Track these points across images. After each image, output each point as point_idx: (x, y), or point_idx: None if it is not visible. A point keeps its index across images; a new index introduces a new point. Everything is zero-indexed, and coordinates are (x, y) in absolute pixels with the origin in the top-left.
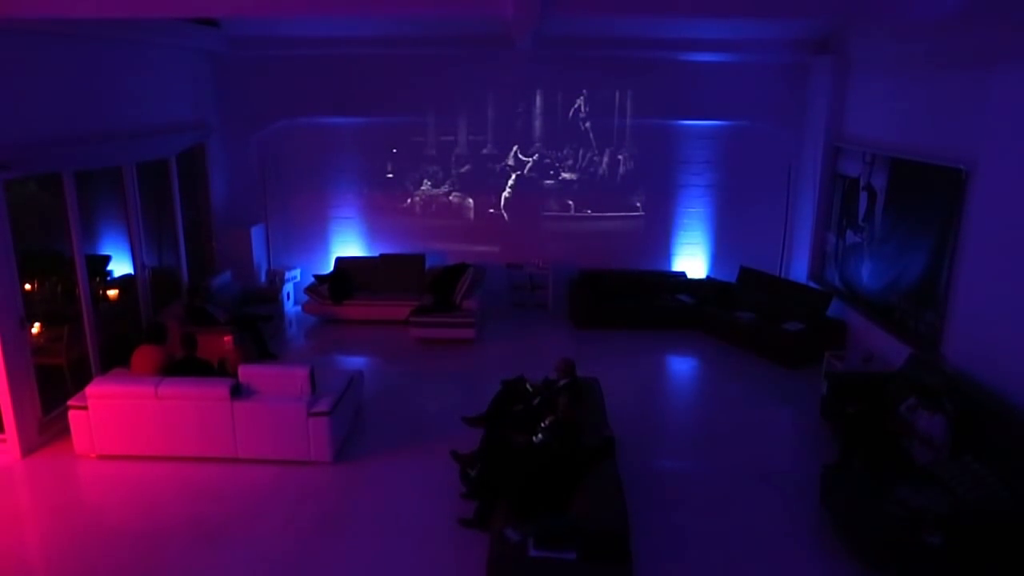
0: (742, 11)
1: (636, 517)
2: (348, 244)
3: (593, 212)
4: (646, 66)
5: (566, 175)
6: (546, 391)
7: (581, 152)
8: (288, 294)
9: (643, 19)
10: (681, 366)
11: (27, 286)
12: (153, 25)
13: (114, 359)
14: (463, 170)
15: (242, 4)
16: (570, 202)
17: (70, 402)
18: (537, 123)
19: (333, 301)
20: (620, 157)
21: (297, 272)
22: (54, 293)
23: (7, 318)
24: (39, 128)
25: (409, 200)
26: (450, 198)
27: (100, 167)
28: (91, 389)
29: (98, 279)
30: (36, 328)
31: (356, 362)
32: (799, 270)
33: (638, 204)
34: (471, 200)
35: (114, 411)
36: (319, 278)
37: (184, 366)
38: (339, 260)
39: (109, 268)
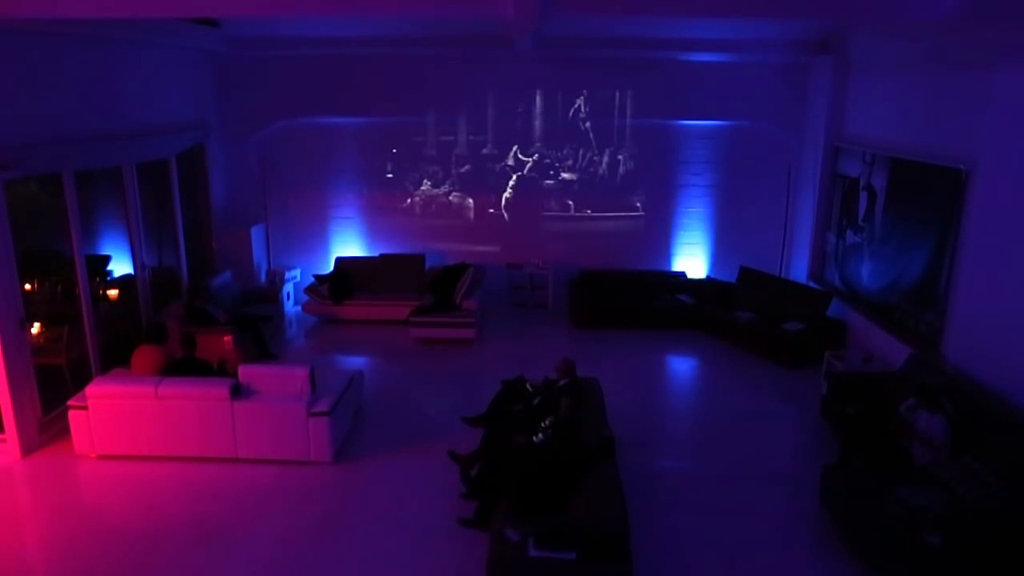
0: (742, 11)
1: (636, 517)
2: (348, 244)
3: (593, 212)
4: (646, 66)
5: (566, 175)
6: (546, 391)
7: (581, 152)
8: (288, 294)
9: (643, 19)
10: (681, 366)
11: (27, 286)
12: (153, 25)
13: (114, 359)
14: (463, 170)
15: (242, 4)
16: (570, 202)
17: (70, 402)
18: (537, 123)
19: (333, 301)
20: (620, 157)
21: (297, 272)
22: (54, 293)
23: (7, 318)
24: (39, 128)
25: (409, 200)
26: (450, 198)
27: (100, 167)
28: (91, 389)
29: (98, 279)
30: (36, 328)
31: (356, 362)
32: (799, 270)
33: (638, 204)
34: (471, 200)
35: (114, 411)
36: (319, 278)
37: (184, 366)
38: (339, 260)
39: (109, 268)
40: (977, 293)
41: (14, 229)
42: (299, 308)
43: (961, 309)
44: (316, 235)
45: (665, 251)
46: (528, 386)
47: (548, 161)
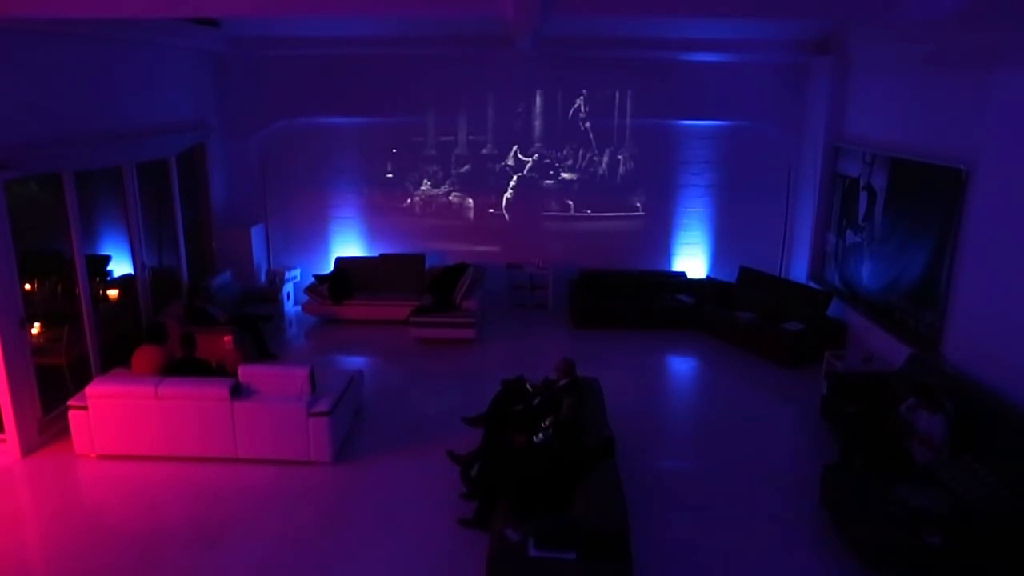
0: (742, 11)
1: (636, 517)
2: (348, 244)
3: (593, 212)
4: (646, 66)
5: (566, 175)
6: (546, 391)
7: (581, 152)
8: (288, 294)
9: (643, 19)
10: (681, 366)
11: (27, 286)
12: (153, 25)
13: (114, 359)
14: (463, 170)
15: (242, 4)
16: (570, 202)
17: (70, 402)
18: (537, 123)
19: (333, 301)
20: (620, 157)
21: (297, 272)
22: (54, 293)
23: (7, 318)
24: (39, 128)
25: (409, 200)
26: (450, 198)
27: (100, 167)
28: (91, 389)
29: (98, 279)
30: (36, 328)
31: (356, 362)
32: (799, 270)
33: (638, 204)
34: (471, 200)
35: (114, 411)
36: (319, 278)
37: (183, 366)
38: (339, 260)
39: (109, 268)
40: (977, 293)
41: (14, 229)
42: (299, 308)
43: (961, 309)
44: (316, 235)
45: (665, 251)
46: (528, 386)
47: (548, 161)
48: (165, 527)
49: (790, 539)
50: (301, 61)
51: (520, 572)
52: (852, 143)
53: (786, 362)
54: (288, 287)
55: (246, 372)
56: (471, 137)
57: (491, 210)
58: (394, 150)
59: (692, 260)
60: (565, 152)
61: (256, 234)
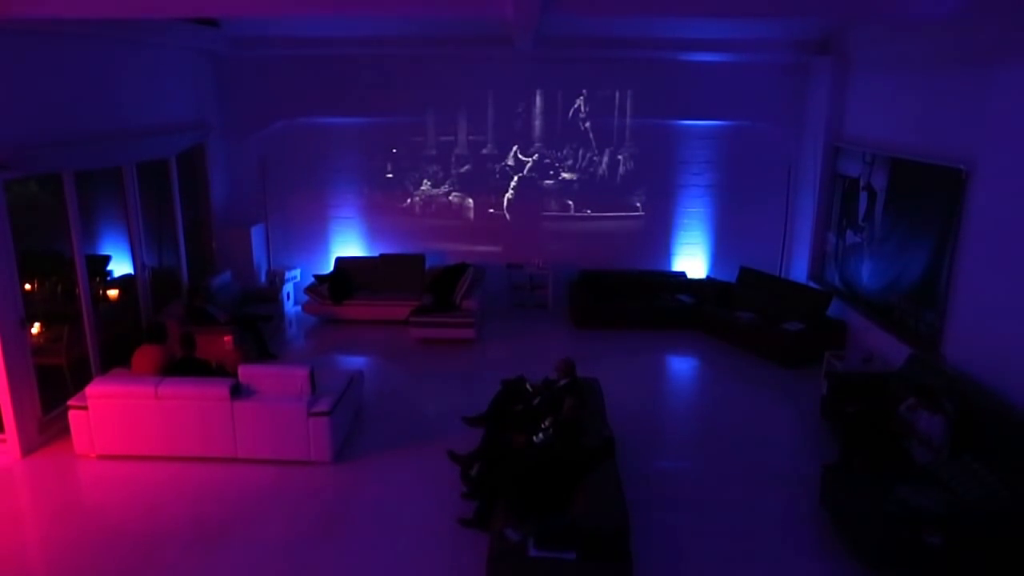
0: (742, 11)
1: (636, 517)
2: (348, 244)
3: (593, 212)
4: (646, 66)
5: (566, 175)
6: (546, 391)
7: (581, 152)
8: (288, 294)
9: (643, 19)
10: (681, 366)
11: (27, 286)
12: (153, 25)
13: (114, 359)
14: (463, 170)
15: (242, 4)
16: (570, 202)
17: (70, 402)
18: (537, 123)
19: (333, 301)
20: (620, 157)
21: (297, 272)
22: (54, 293)
23: (7, 318)
24: (39, 128)
25: (409, 200)
26: (450, 198)
27: (100, 167)
28: (91, 389)
29: (98, 279)
30: (36, 328)
31: (356, 362)
32: (799, 270)
33: (638, 204)
34: (471, 200)
35: (114, 411)
36: (319, 278)
37: (183, 366)
38: (339, 260)
39: (109, 268)
40: (977, 293)
41: (14, 229)
42: (299, 308)
43: (961, 309)
44: (316, 235)
45: (665, 251)
46: (528, 386)
47: (548, 161)
48: (165, 527)
49: (790, 539)
50: (301, 61)
51: (520, 572)
52: (852, 143)
53: (786, 362)
54: (288, 287)
55: (246, 372)
56: (471, 137)
57: (491, 210)
58: (394, 150)
59: (692, 260)
60: (565, 152)
61: (256, 234)
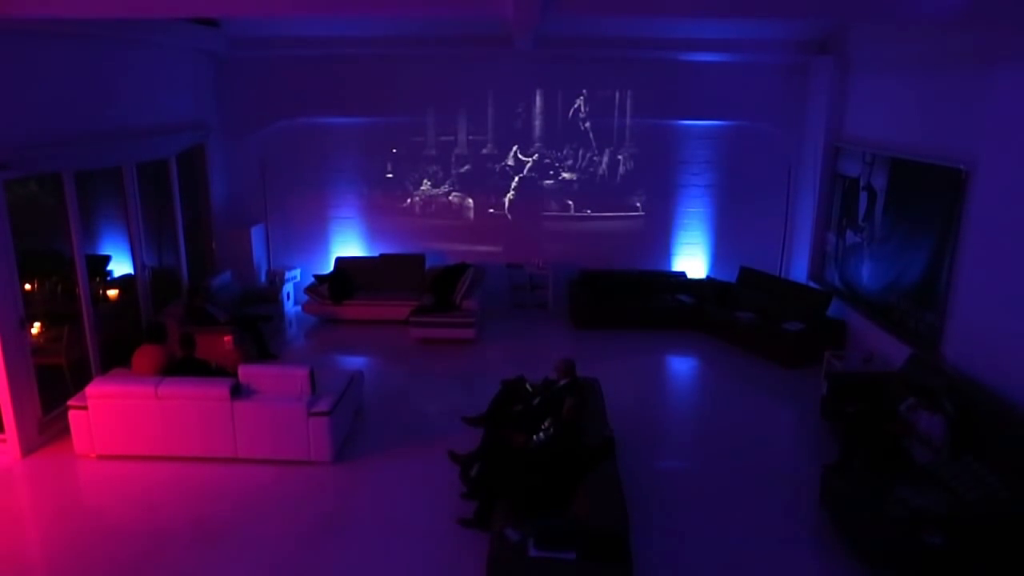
0: (742, 11)
1: (636, 517)
2: (348, 244)
3: (593, 212)
4: (646, 66)
5: (566, 175)
6: (546, 391)
7: (581, 152)
8: (288, 294)
9: (643, 19)
10: (681, 366)
11: (27, 286)
12: (153, 25)
13: (114, 359)
14: (463, 170)
15: (242, 4)
16: (570, 202)
17: (70, 402)
18: (537, 123)
19: (333, 301)
20: (620, 157)
21: (297, 272)
22: (54, 293)
23: (7, 318)
24: (39, 128)
25: (409, 200)
26: (450, 198)
27: (100, 167)
28: (91, 389)
29: (98, 279)
30: (36, 328)
31: (356, 362)
32: (799, 270)
33: (638, 204)
34: (471, 200)
35: (114, 411)
36: (319, 278)
37: (183, 366)
38: (339, 260)
39: (109, 268)
40: (977, 293)
41: (14, 229)
42: (299, 308)
43: (961, 309)
44: (316, 235)
45: (665, 251)
46: (528, 386)
47: (548, 161)
48: (165, 527)
49: (790, 539)
50: (301, 61)
51: (520, 572)
52: (852, 143)
53: (786, 362)
54: (288, 287)
55: (246, 372)
56: (471, 137)
57: (491, 210)
58: (394, 150)
59: (692, 260)
60: (565, 152)
61: (256, 234)
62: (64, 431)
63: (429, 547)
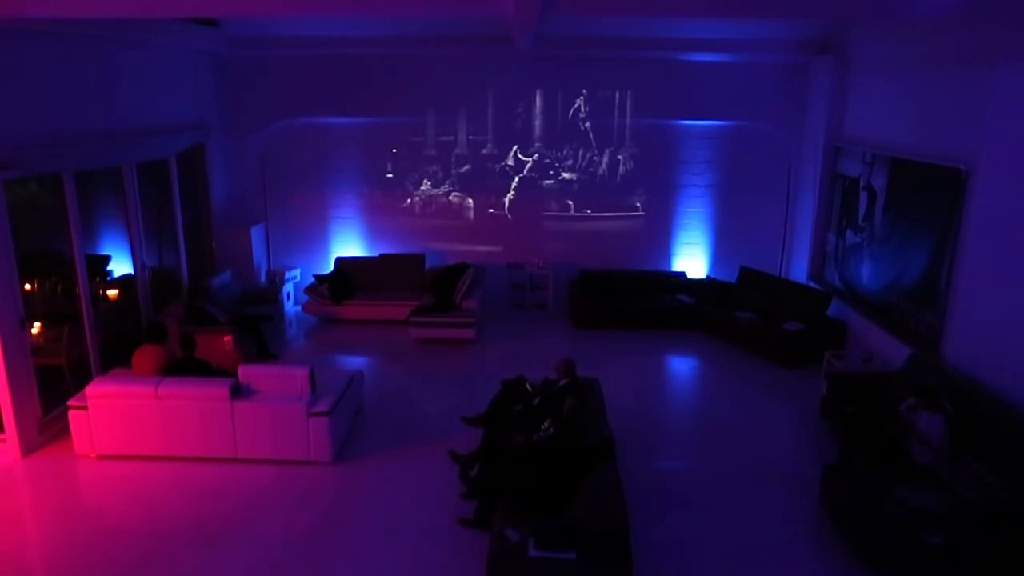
0: (742, 11)
1: (636, 517)
2: (348, 244)
3: (593, 212)
4: (646, 66)
5: (566, 175)
6: (546, 391)
7: (581, 152)
8: (288, 294)
9: (643, 19)
10: (681, 366)
11: (27, 286)
12: (153, 25)
13: (114, 359)
14: (463, 170)
15: (242, 4)
16: (570, 202)
17: (70, 402)
18: (537, 123)
19: (333, 301)
20: (620, 157)
21: (297, 272)
22: (54, 293)
23: (7, 318)
24: (39, 128)
25: (409, 200)
26: (450, 198)
27: (100, 167)
28: (91, 389)
29: (98, 279)
30: (36, 328)
31: (356, 362)
32: (799, 270)
33: (638, 204)
34: (471, 200)
35: (114, 411)
36: (319, 278)
37: (183, 366)
38: (339, 260)
39: (109, 268)
40: (977, 293)
41: (14, 229)
42: (299, 308)
43: (961, 309)
44: (316, 235)
45: (665, 251)
46: (528, 386)
47: (548, 161)
48: (165, 527)
49: (790, 539)
50: (301, 61)
51: (520, 572)
52: (852, 143)
53: (786, 362)
54: (288, 287)
55: (246, 372)
56: (471, 137)
57: (491, 210)
58: (394, 150)
59: (692, 260)
60: (565, 152)
61: (256, 234)
62: (64, 431)
63: (429, 547)
